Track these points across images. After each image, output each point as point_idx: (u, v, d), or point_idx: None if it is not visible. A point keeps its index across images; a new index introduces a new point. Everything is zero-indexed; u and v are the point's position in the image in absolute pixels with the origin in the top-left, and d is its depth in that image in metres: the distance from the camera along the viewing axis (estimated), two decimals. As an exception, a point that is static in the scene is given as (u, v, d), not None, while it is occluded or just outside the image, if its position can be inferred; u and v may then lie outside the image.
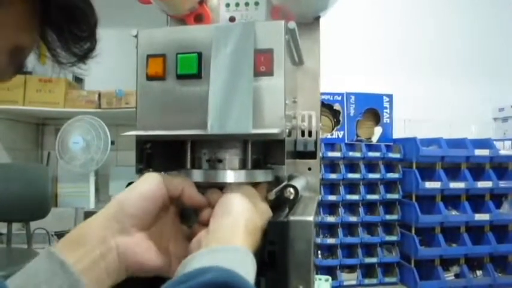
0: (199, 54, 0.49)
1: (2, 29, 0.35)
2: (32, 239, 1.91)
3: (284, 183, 0.49)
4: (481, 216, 2.34)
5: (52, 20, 0.38)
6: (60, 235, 2.27)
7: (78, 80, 2.63)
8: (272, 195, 0.49)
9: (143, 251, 0.42)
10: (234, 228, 0.41)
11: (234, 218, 0.41)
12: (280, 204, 0.49)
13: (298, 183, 0.52)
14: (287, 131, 0.50)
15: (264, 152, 0.55)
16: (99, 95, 2.37)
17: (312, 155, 0.67)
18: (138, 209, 0.42)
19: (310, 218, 0.44)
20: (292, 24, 0.50)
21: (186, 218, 0.50)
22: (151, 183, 0.43)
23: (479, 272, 2.40)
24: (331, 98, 2.50)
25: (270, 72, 0.48)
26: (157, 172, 0.47)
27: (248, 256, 0.38)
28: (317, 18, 0.69)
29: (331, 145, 2.49)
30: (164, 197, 0.44)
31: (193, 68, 0.49)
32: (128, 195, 0.43)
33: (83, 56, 0.41)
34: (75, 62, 0.41)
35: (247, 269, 0.36)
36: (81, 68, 0.42)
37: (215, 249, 0.38)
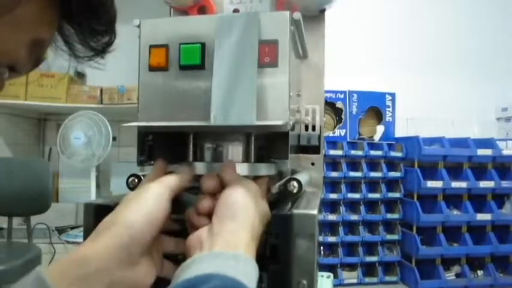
0: (203, 45, 0.48)
1: (23, 22, 0.34)
2: (33, 234, 1.91)
3: (288, 177, 0.48)
4: (483, 216, 2.34)
5: (71, 13, 0.37)
6: (60, 230, 2.27)
7: (80, 76, 2.62)
8: (275, 189, 0.48)
9: (147, 276, 0.40)
10: (239, 234, 0.39)
11: (239, 223, 0.40)
12: (283, 197, 0.48)
13: (302, 177, 0.51)
14: (291, 123, 0.49)
15: (267, 145, 0.55)
16: (101, 90, 2.37)
17: (315, 150, 0.66)
18: (148, 234, 0.39)
19: (314, 212, 0.43)
20: (297, 15, 0.49)
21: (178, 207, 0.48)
22: (157, 201, 0.41)
23: (480, 272, 2.40)
24: (334, 96, 2.49)
25: (274, 64, 0.47)
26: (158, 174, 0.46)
27: (251, 264, 0.37)
28: (322, 11, 0.68)
29: (333, 143, 2.48)
30: (168, 211, 0.42)
31: (197, 59, 0.48)
32: (136, 218, 0.39)
33: (101, 51, 0.40)
34: (92, 56, 0.40)
35: (250, 278, 0.35)
36: (99, 62, 0.41)
37: (218, 253, 0.37)
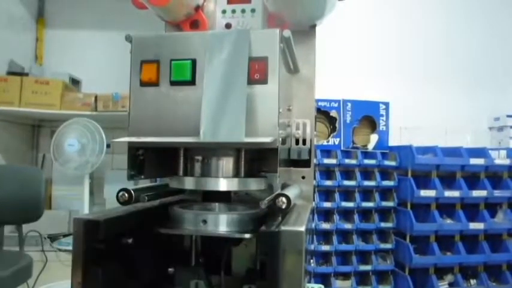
0: (193, 61, 0.49)
1: None
2: (25, 242, 1.89)
3: (276, 192, 0.48)
4: (476, 225, 2.34)
5: None
6: (53, 238, 2.26)
7: (75, 83, 2.62)
8: (264, 204, 0.49)
9: None
10: None
11: None
12: (272, 213, 0.49)
13: (291, 192, 0.52)
14: (280, 139, 0.49)
15: (258, 158, 0.55)
16: (96, 97, 2.37)
17: (306, 164, 0.66)
18: None
19: (302, 229, 0.44)
20: (287, 33, 0.50)
21: None
22: None
23: (473, 281, 2.40)
24: (328, 105, 2.50)
25: (264, 80, 0.48)
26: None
27: None
28: (313, 27, 0.69)
29: (327, 152, 2.49)
30: None
31: (187, 75, 0.49)
32: None
33: None
34: None
35: None
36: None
37: None
